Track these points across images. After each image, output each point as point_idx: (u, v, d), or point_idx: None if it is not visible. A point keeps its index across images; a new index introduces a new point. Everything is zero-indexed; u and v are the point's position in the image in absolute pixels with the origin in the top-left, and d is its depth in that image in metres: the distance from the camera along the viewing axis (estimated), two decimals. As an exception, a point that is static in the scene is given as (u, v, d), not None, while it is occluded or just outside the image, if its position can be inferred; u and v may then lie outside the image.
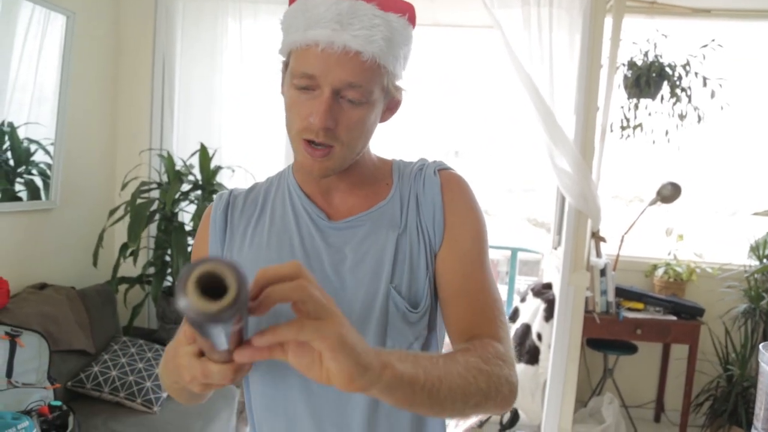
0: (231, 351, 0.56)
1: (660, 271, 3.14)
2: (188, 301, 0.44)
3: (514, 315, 3.23)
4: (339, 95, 0.76)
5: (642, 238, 3.22)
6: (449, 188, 0.87)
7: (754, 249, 3.01)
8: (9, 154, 2.48)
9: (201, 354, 0.58)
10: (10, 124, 2.43)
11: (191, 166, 2.82)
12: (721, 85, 2.88)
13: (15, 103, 2.48)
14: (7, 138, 2.45)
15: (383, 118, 0.86)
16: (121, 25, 2.98)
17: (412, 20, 0.81)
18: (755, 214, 2.95)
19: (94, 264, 2.57)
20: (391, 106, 0.86)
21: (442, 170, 0.90)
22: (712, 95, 2.89)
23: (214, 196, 0.94)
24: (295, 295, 0.53)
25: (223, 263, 0.46)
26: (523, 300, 3.25)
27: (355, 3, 0.75)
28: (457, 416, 0.71)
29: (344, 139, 0.79)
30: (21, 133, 2.49)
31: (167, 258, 2.74)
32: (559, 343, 2.74)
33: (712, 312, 3.05)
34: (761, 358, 0.80)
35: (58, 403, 1.96)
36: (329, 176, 0.83)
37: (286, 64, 0.82)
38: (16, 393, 1.92)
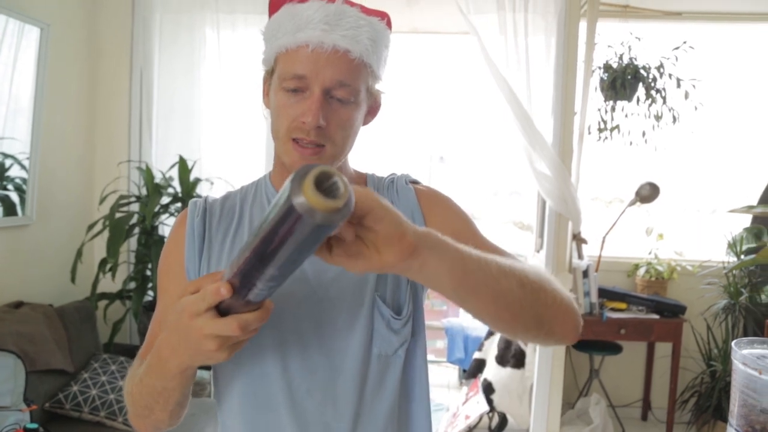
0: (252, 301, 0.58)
1: (641, 271, 3.17)
2: (309, 199, 0.44)
3: (500, 319, 3.24)
4: (329, 95, 0.78)
5: (623, 238, 3.26)
6: (422, 193, 0.90)
7: (732, 246, 3.06)
8: (-17, 169, 2.44)
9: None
10: (-17, 140, 2.39)
11: (170, 179, 2.80)
12: (694, 86, 2.94)
13: (-12, 118, 2.44)
14: (-20, 153, 2.41)
15: (365, 121, 0.87)
16: (98, 37, 2.95)
17: (388, 26, 0.85)
18: (731, 211, 3.00)
19: (73, 280, 2.53)
20: (373, 109, 0.88)
21: (413, 182, 0.93)
22: (686, 96, 2.94)
23: (189, 203, 0.92)
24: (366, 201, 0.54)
25: (333, 170, 0.47)
26: (507, 304, 3.26)
27: (342, 6, 0.78)
28: (522, 309, 0.67)
29: (335, 138, 0.80)
30: (-5, 148, 2.45)
31: (148, 272, 2.70)
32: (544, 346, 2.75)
33: (693, 309, 3.09)
34: (733, 356, 0.81)
35: (35, 425, 1.91)
36: None
37: (270, 72, 0.84)
38: (-7, 415, 1.87)
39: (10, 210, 2.52)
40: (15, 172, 2.55)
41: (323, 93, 0.77)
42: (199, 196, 1.10)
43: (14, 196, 2.54)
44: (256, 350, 0.82)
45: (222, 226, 0.89)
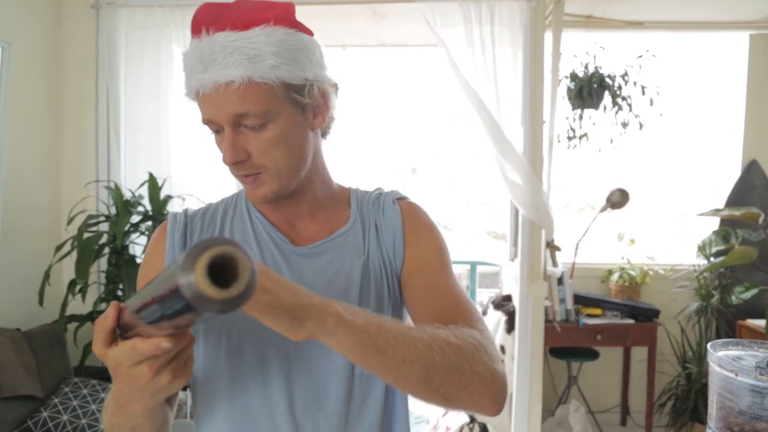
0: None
1: (615, 276, 3.21)
2: (193, 281, 0.40)
3: (477, 328, 3.24)
4: (240, 125, 0.77)
5: (595, 244, 3.30)
6: (408, 215, 0.89)
7: (702, 249, 3.12)
8: (-56, 193, 2.37)
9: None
10: (-55, 161, 2.33)
11: (140, 197, 2.75)
12: (658, 93, 3.00)
13: (-50, 140, 2.38)
14: (-59, 177, 2.34)
15: (315, 125, 0.83)
16: (61, 54, 2.91)
17: (284, 21, 0.77)
18: (700, 215, 3.06)
19: (41, 303, 2.46)
20: (318, 111, 0.83)
21: (400, 199, 0.92)
22: (651, 103, 3.00)
23: (168, 216, 0.91)
24: None
25: (241, 249, 0.43)
26: (484, 313, 3.26)
27: (212, 38, 0.75)
28: (426, 391, 0.67)
29: (265, 162, 0.79)
30: (-43, 171, 2.39)
31: (119, 292, 2.64)
32: (522, 354, 2.75)
33: (667, 312, 3.13)
34: (710, 358, 0.82)
35: (2, 452, 1.85)
36: (271, 201, 0.83)
37: None
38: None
39: (-26, 233, 2.46)
40: (-22, 194, 2.49)
41: (232, 128, 0.77)
42: (167, 213, 1.09)
43: (-22, 219, 2.48)
44: (238, 368, 0.81)
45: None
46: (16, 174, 2.62)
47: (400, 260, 0.86)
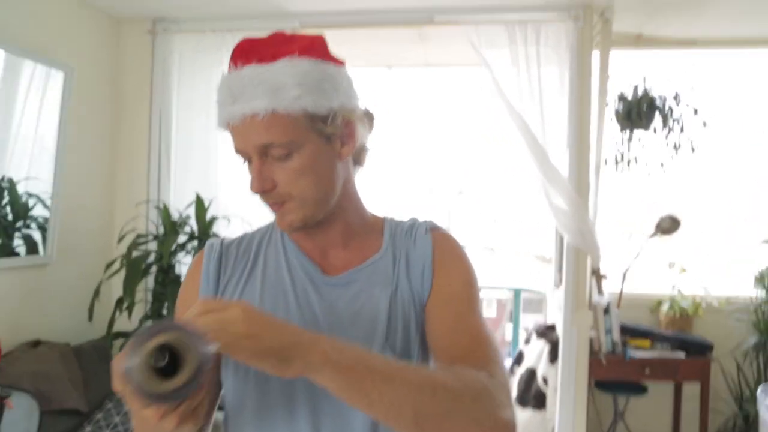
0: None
1: (665, 307, 3.06)
2: (136, 368, 0.41)
3: (519, 358, 3.16)
4: (267, 155, 0.79)
5: (645, 273, 3.17)
6: (439, 246, 0.88)
7: (760, 279, 2.95)
8: (8, 208, 2.51)
9: None
10: (9, 180, 2.47)
11: (187, 217, 2.83)
12: (712, 115, 2.88)
13: (16, 158, 2.52)
14: (6, 193, 2.48)
15: (343, 154, 0.83)
16: (119, 78, 3.04)
17: (310, 52, 0.79)
18: (765, 241, 2.90)
19: (90, 319, 2.55)
20: (346, 139, 0.83)
21: (434, 230, 0.90)
22: (704, 124, 2.88)
23: (206, 244, 0.93)
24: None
25: (190, 339, 0.42)
26: (527, 342, 3.18)
27: (239, 71, 0.78)
28: None
29: (291, 192, 0.80)
30: (21, 188, 2.53)
31: (164, 311, 2.72)
32: (566, 387, 2.66)
33: (721, 347, 2.96)
34: (759, 404, 0.76)
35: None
36: (299, 229, 0.84)
37: None
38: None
39: (32, 249, 2.58)
40: (38, 211, 2.61)
41: (260, 158, 0.79)
42: (215, 235, 1.12)
43: (37, 235, 2.60)
44: (264, 400, 0.82)
45: (237, 268, 0.90)
46: (73, 193, 2.75)
47: (428, 291, 0.85)
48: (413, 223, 0.92)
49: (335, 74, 0.80)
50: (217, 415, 0.89)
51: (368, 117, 0.89)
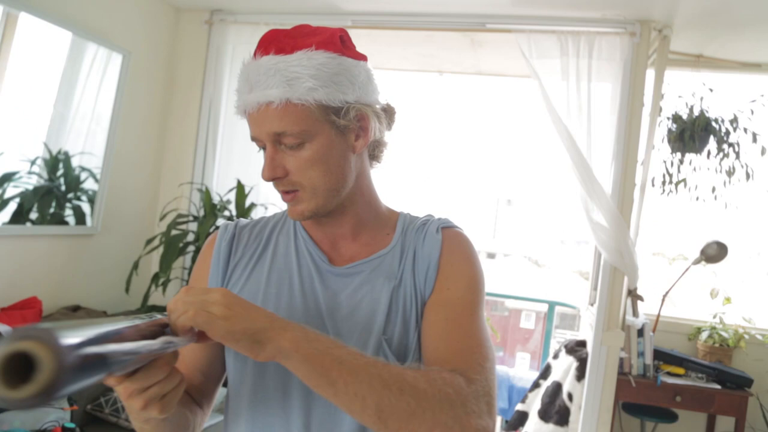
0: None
1: (704, 335, 2.94)
2: None
3: (546, 372, 3.09)
4: (280, 144, 0.80)
5: (685, 298, 3.05)
6: (448, 245, 0.87)
7: (809, 317, 2.80)
8: (62, 180, 2.63)
9: None
10: (66, 153, 2.59)
11: (228, 202, 2.90)
12: (771, 141, 2.76)
13: (73, 134, 2.65)
14: (61, 165, 2.61)
15: (357, 147, 0.84)
16: (174, 64, 3.16)
17: (327, 45, 0.79)
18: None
19: (127, 291, 2.65)
20: (360, 133, 0.83)
21: (446, 228, 0.89)
22: (763, 152, 2.76)
23: (220, 226, 0.95)
24: (179, 323, 0.64)
25: (47, 343, 0.39)
26: (555, 357, 3.11)
27: (258, 61, 0.80)
28: (382, 430, 0.69)
29: (302, 181, 0.81)
30: (75, 162, 2.65)
31: (197, 290, 2.79)
32: (590, 405, 2.59)
33: (762, 383, 2.82)
34: None
35: (72, 425, 1.99)
36: (309, 218, 0.85)
37: None
38: (34, 411, 1.97)
39: (80, 219, 2.70)
40: (89, 184, 2.74)
41: (273, 146, 0.80)
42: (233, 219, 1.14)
43: (86, 207, 2.73)
44: (261, 379, 0.84)
45: (247, 252, 0.91)
46: (122, 169, 2.86)
47: (430, 290, 0.85)
48: (426, 221, 0.91)
49: (352, 68, 0.81)
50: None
51: (388, 113, 0.88)
